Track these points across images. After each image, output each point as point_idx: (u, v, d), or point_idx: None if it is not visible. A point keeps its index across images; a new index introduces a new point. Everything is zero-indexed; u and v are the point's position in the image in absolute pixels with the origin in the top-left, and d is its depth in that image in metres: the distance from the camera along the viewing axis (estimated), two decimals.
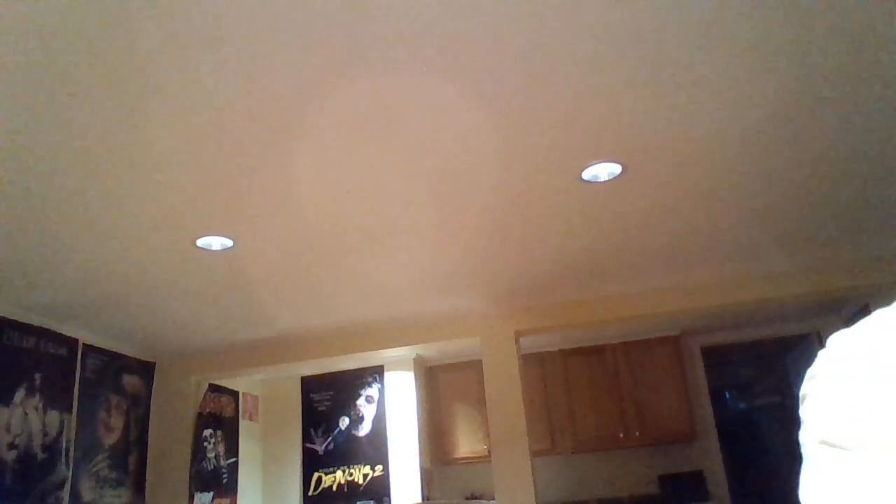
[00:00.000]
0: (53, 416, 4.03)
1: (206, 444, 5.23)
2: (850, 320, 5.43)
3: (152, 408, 5.03)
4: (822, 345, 0.59)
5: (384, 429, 5.79)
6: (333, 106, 2.23)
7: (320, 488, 5.82)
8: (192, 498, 4.91)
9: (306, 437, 6.00)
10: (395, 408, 5.82)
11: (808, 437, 0.55)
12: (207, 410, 5.31)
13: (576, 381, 6.01)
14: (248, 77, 2.04)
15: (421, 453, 5.68)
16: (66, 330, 4.23)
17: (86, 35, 1.80)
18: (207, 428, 5.29)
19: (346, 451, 5.85)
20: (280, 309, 4.31)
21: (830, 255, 4.25)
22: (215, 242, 3.21)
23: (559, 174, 2.84)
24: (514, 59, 2.06)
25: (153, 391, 5.07)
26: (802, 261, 4.33)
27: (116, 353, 4.70)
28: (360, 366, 5.89)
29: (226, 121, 2.25)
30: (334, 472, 5.83)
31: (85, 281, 3.53)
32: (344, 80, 2.09)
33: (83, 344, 4.37)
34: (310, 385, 6.12)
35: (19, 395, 3.80)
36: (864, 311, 5.27)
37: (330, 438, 5.92)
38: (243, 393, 5.94)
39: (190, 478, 4.91)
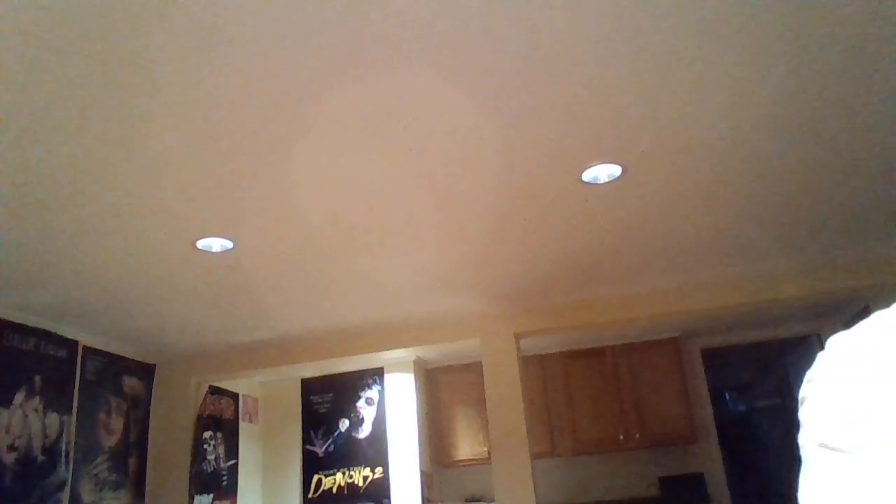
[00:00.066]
0: (53, 418, 4.03)
1: (205, 446, 5.23)
2: (850, 322, 5.42)
3: (152, 410, 5.03)
4: (822, 346, 0.59)
5: (384, 431, 5.79)
6: (333, 106, 2.23)
7: (320, 490, 5.82)
8: (191, 500, 4.91)
9: (306, 439, 6.00)
10: (395, 410, 5.82)
11: (806, 440, 0.54)
12: (207, 412, 5.31)
13: (576, 383, 6.01)
14: (248, 77, 2.04)
15: (421, 455, 5.67)
16: (66, 332, 4.23)
17: (86, 35, 1.80)
18: (207, 430, 5.29)
19: (346, 454, 5.84)
20: (280, 310, 4.31)
21: (830, 256, 4.25)
22: (215, 244, 3.21)
23: (559, 176, 2.84)
24: (514, 59, 2.06)
25: (153, 393, 5.07)
26: (803, 262, 4.33)
27: (116, 355, 4.70)
28: (360, 368, 5.88)
29: (226, 121, 2.25)
30: (334, 474, 5.82)
31: (85, 283, 3.53)
32: (344, 80, 2.09)
33: (83, 346, 4.37)
34: (310, 387, 6.12)
35: (19, 396, 3.80)
36: (864, 312, 5.27)
37: (330, 440, 5.92)
38: (243, 395, 5.94)
39: (190, 480, 4.91)
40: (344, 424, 5.92)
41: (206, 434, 5.26)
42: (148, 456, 4.91)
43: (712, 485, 5.78)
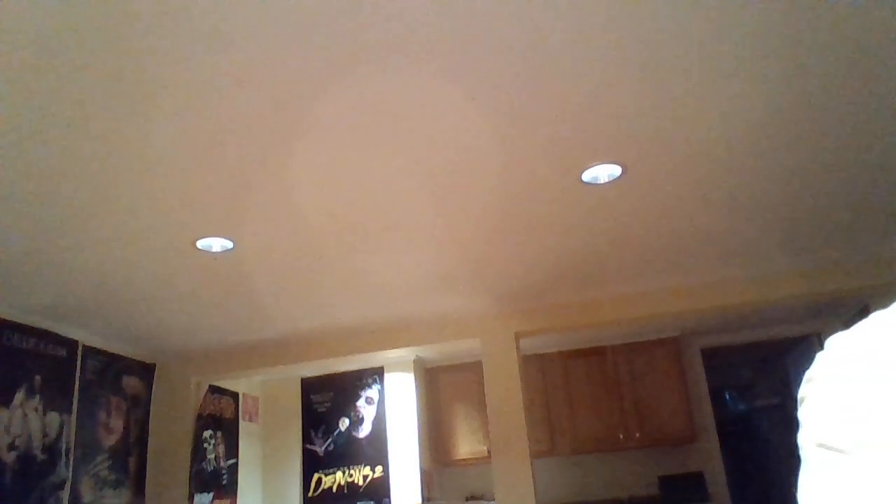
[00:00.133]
0: (53, 418, 4.03)
1: (206, 445, 5.23)
2: (850, 321, 5.43)
3: (152, 409, 5.03)
4: (822, 346, 0.59)
5: (384, 430, 5.79)
6: (333, 106, 2.23)
7: (320, 489, 5.82)
8: (191, 499, 4.91)
9: (306, 439, 6.00)
10: (395, 409, 5.82)
11: (806, 440, 0.55)
12: (207, 412, 5.31)
13: (576, 383, 6.01)
14: (248, 77, 2.04)
15: (421, 454, 5.68)
16: (66, 331, 4.23)
17: (86, 35, 1.80)
18: (207, 429, 5.29)
19: (346, 453, 5.84)
20: (280, 310, 4.31)
21: (830, 256, 4.25)
22: (215, 244, 3.21)
23: (559, 176, 2.85)
24: (514, 59, 2.06)
25: (153, 392, 5.07)
26: (802, 262, 4.33)
27: (116, 355, 4.70)
28: (360, 367, 5.89)
29: (226, 121, 2.25)
30: (334, 473, 5.83)
31: (85, 282, 3.53)
32: (343, 80, 2.09)
33: (83, 345, 4.37)
34: (310, 386, 6.12)
35: (19, 396, 3.80)
36: (863, 312, 5.27)
37: (330, 440, 5.92)
38: (243, 394, 5.94)
39: (190, 479, 4.91)
40: (344, 423, 5.93)
41: (206, 433, 5.26)
42: (148, 455, 4.91)
43: (712, 484, 5.78)
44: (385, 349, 5.07)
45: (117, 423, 4.64)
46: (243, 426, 5.86)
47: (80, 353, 4.34)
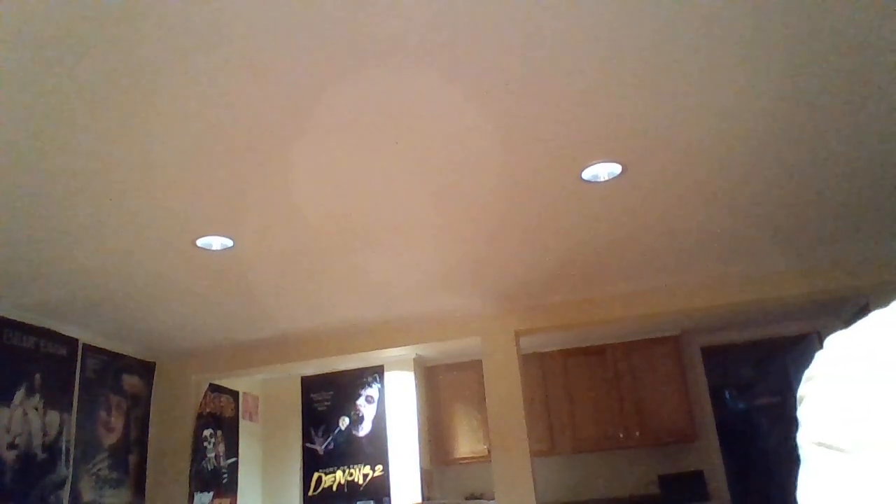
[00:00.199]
0: (53, 416, 4.04)
1: (206, 444, 5.23)
2: (850, 320, 5.42)
3: (152, 408, 5.03)
4: (822, 345, 0.59)
5: (384, 429, 5.79)
6: (333, 106, 2.23)
7: (320, 488, 5.82)
8: (191, 498, 4.91)
9: (306, 437, 6.00)
10: (395, 408, 5.82)
11: (805, 439, 0.55)
12: (207, 410, 5.31)
13: (576, 382, 6.01)
14: (249, 77, 2.04)
15: (421, 453, 5.68)
16: (66, 330, 4.23)
17: (86, 36, 1.80)
18: (207, 428, 5.29)
19: (346, 451, 5.85)
20: (280, 309, 4.31)
21: (830, 255, 4.25)
22: (215, 242, 3.21)
23: (559, 174, 2.84)
24: (514, 59, 2.06)
25: (153, 391, 5.07)
26: (802, 261, 4.33)
27: (116, 353, 4.70)
28: (360, 366, 5.89)
29: (226, 121, 2.25)
30: (334, 472, 5.83)
31: (85, 281, 3.53)
32: (344, 80, 2.09)
33: (83, 344, 4.38)
34: (310, 385, 6.12)
35: (19, 395, 3.80)
36: (863, 310, 5.27)
37: (330, 438, 5.92)
38: (243, 393, 5.94)
39: (190, 478, 4.92)
40: (344, 422, 5.93)
41: (207, 432, 5.27)
42: (148, 454, 4.91)
43: (712, 483, 5.79)
44: (385, 348, 5.07)
45: (117, 422, 4.64)
46: (243, 425, 5.86)
47: (80, 352, 4.34)
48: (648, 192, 3.10)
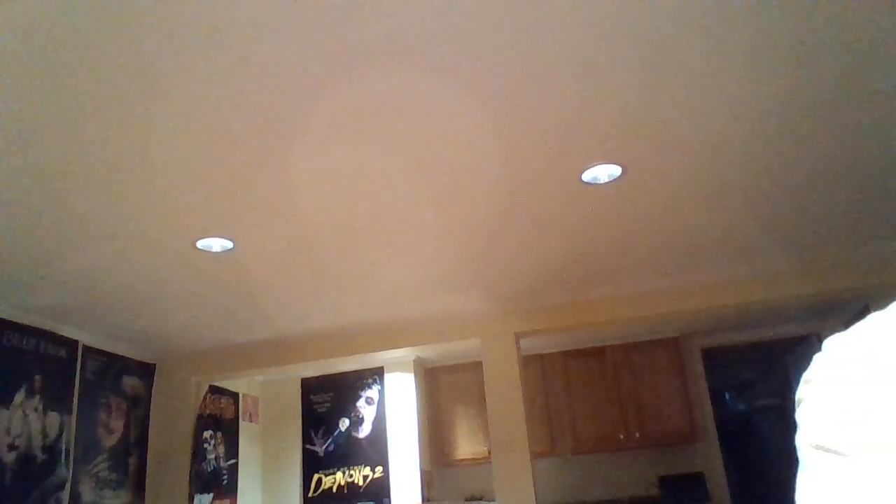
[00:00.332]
0: (53, 418, 4.03)
1: (206, 445, 5.23)
2: (849, 321, 5.42)
3: (152, 409, 5.03)
4: (821, 346, 0.59)
5: (384, 430, 5.79)
6: (333, 107, 2.23)
7: (320, 490, 5.82)
8: (191, 499, 4.91)
9: (306, 439, 6.00)
10: (395, 409, 5.82)
11: (803, 442, 0.54)
12: (207, 412, 5.31)
13: (576, 383, 6.01)
14: (249, 77, 2.04)
15: (421, 455, 5.68)
16: (66, 331, 4.23)
17: (86, 36, 1.80)
18: (207, 429, 5.29)
19: (346, 453, 5.85)
20: (280, 310, 4.31)
21: (830, 256, 4.25)
22: (215, 244, 3.21)
23: (559, 176, 2.85)
24: (515, 60, 2.06)
25: (153, 393, 5.07)
26: (802, 262, 4.33)
27: (116, 355, 4.70)
28: (360, 367, 5.89)
29: (226, 121, 2.25)
30: (334, 473, 5.83)
31: (85, 282, 3.53)
32: (344, 80, 2.09)
33: (83, 345, 4.37)
34: (310, 386, 6.12)
35: (19, 396, 3.80)
36: (863, 312, 5.27)
37: (330, 440, 5.92)
38: (243, 394, 5.94)
39: (190, 479, 4.91)
40: (344, 424, 5.93)
41: (207, 433, 5.26)
42: (148, 455, 4.91)
43: (712, 484, 5.78)
44: (385, 349, 5.07)
45: (117, 424, 4.64)
46: (243, 426, 5.86)
47: (80, 354, 4.34)
48: (648, 194, 3.10)
